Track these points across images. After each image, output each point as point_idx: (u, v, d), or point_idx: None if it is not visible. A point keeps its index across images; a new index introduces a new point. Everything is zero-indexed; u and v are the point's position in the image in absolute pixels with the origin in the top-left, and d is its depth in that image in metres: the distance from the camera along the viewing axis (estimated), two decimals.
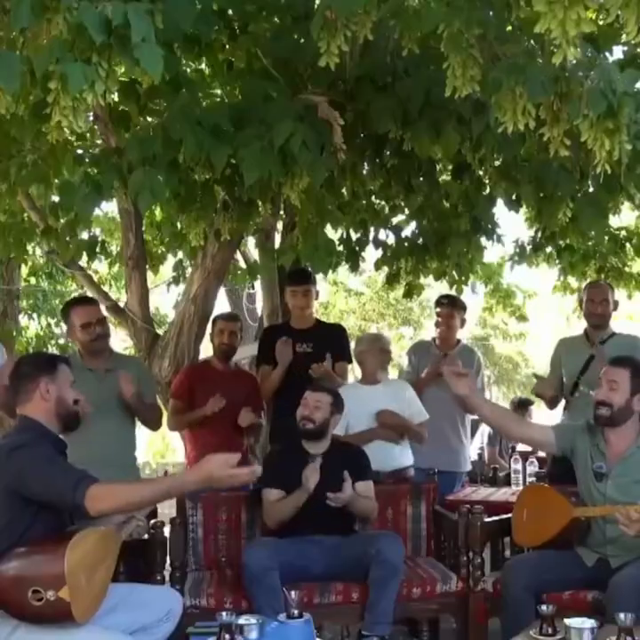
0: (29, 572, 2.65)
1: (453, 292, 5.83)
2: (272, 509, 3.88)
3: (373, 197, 5.23)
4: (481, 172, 4.65)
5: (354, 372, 5.49)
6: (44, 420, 2.93)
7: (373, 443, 4.45)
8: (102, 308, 4.56)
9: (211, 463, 2.75)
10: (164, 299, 10.83)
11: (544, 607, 2.91)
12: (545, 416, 6.86)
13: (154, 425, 4.41)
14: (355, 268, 5.78)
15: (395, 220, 5.62)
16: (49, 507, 2.78)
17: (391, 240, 5.63)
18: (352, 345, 5.23)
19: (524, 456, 5.71)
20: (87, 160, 3.87)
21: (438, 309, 5.28)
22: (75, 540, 2.69)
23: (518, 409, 7.38)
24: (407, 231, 5.60)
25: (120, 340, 6.02)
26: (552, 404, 4.94)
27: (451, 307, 5.23)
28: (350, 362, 5.08)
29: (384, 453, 4.50)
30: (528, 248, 5.92)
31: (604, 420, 3.51)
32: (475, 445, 6.95)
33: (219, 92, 4.41)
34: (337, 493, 3.74)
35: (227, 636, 2.70)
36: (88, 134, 4.85)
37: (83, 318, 4.04)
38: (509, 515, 3.93)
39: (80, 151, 4.43)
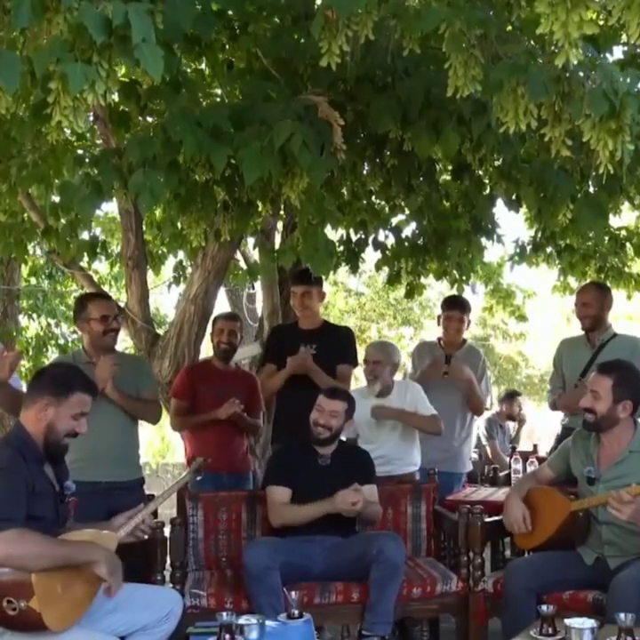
0: (1, 582, 2.63)
1: (455, 292, 5.82)
2: (282, 511, 3.85)
3: (373, 197, 5.22)
4: (481, 173, 4.64)
5: (359, 380, 5.50)
6: (32, 433, 2.90)
7: (390, 445, 4.53)
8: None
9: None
10: (164, 299, 10.84)
11: (544, 607, 2.91)
12: (542, 412, 6.86)
13: (149, 418, 4.37)
14: (354, 269, 5.78)
15: (395, 221, 5.61)
16: (31, 518, 2.75)
17: (391, 241, 5.63)
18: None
19: (525, 456, 5.72)
20: (87, 160, 3.86)
21: (448, 312, 5.23)
22: None
23: (506, 401, 7.43)
24: (407, 231, 5.60)
25: (120, 340, 6.00)
26: (555, 405, 4.93)
27: (461, 310, 5.20)
28: (355, 365, 5.06)
29: (399, 456, 4.58)
30: (528, 248, 5.91)
31: (589, 425, 3.59)
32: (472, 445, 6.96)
33: (219, 91, 4.41)
34: (350, 508, 3.74)
35: (227, 636, 2.70)
36: (88, 134, 4.86)
37: (102, 310, 4.08)
38: None
39: (80, 151, 4.43)
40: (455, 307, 5.23)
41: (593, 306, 4.70)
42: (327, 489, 3.77)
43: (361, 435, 4.59)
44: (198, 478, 4.35)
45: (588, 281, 5.99)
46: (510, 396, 7.56)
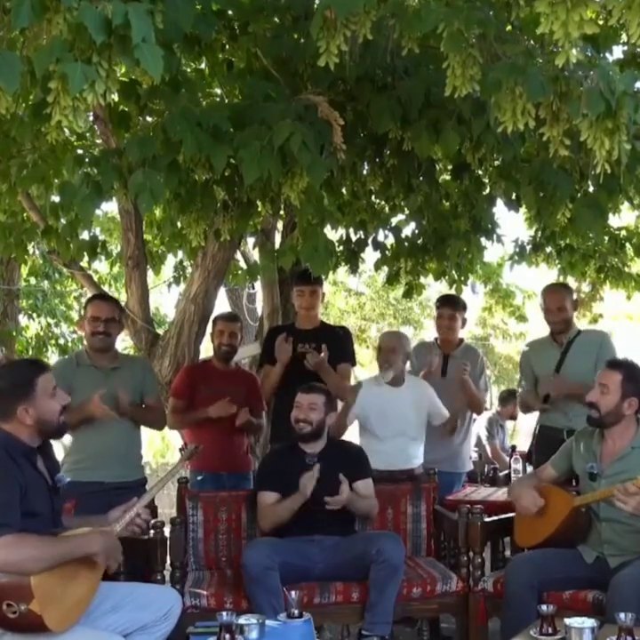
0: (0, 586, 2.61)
1: (453, 292, 5.82)
2: (267, 513, 3.87)
3: (373, 197, 5.23)
4: (481, 172, 4.65)
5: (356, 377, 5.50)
6: (25, 437, 2.87)
7: (392, 442, 4.50)
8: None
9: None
10: (164, 299, 10.84)
11: (544, 607, 2.91)
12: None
13: (156, 426, 4.41)
14: (354, 269, 5.78)
15: (394, 221, 5.62)
16: (27, 515, 2.75)
17: (391, 241, 5.63)
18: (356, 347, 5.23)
19: (525, 456, 5.71)
20: (87, 160, 3.87)
21: (439, 310, 5.25)
22: None
23: (507, 400, 7.42)
24: (407, 231, 5.61)
25: (120, 340, 5.99)
26: (526, 407, 4.96)
27: (452, 308, 5.21)
28: (354, 364, 5.09)
29: (401, 453, 4.56)
30: (528, 248, 5.91)
31: (593, 421, 3.60)
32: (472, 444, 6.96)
33: (219, 91, 4.41)
34: (334, 497, 3.75)
35: (227, 636, 2.70)
36: (88, 134, 4.86)
37: (93, 312, 4.13)
38: (510, 514, 3.94)
39: (80, 151, 4.43)
40: (446, 304, 5.25)
41: (567, 309, 4.67)
42: (316, 489, 3.76)
43: (368, 426, 4.57)
44: (199, 478, 4.36)
45: (551, 283, 5.64)
46: (511, 395, 7.56)
